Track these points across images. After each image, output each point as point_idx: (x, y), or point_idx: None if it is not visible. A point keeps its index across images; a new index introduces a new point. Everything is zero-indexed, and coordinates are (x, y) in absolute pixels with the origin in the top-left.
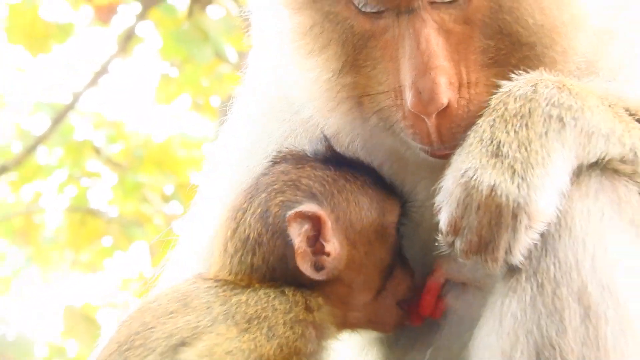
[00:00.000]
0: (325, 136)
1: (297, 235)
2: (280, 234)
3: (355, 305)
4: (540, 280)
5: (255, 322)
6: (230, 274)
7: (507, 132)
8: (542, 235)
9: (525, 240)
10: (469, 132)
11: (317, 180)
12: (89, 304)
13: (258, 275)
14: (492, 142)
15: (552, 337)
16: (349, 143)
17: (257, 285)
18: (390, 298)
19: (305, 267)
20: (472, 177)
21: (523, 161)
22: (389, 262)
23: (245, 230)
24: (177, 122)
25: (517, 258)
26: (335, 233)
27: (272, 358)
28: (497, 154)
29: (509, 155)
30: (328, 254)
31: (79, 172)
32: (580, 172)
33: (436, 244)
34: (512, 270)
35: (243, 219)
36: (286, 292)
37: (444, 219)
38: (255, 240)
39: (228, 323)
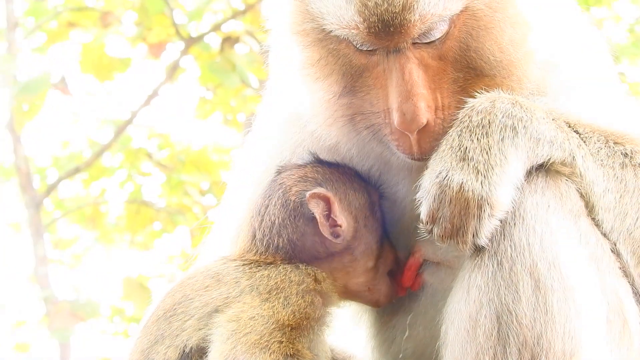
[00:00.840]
0: (312, 152)
1: (317, 209)
2: (301, 216)
3: (358, 271)
4: (499, 259)
5: (274, 293)
6: (255, 254)
7: (472, 140)
8: (501, 222)
9: (488, 226)
10: (441, 141)
11: (319, 174)
12: (143, 275)
13: (281, 255)
14: (459, 148)
15: (509, 304)
16: (346, 150)
17: (278, 262)
18: (382, 268)
19: (327, 233)
20: (445, 177)
21: (485, 163)
22: (381, 234)
23: (270, 219)
24: (211, 133)
25: (483, 240)
26: (341, 210)
27: (287, 322)
28: (464, 158)
29: (473, 158)
30: (340, 226)
31: (135, 172)
32: (530, 173)
33: (418, 231)
34: (478, 251)
35: (267, 212)
36: (300, 267)
37: (423, 211)
38: (280, 225)
39: (252, 294)
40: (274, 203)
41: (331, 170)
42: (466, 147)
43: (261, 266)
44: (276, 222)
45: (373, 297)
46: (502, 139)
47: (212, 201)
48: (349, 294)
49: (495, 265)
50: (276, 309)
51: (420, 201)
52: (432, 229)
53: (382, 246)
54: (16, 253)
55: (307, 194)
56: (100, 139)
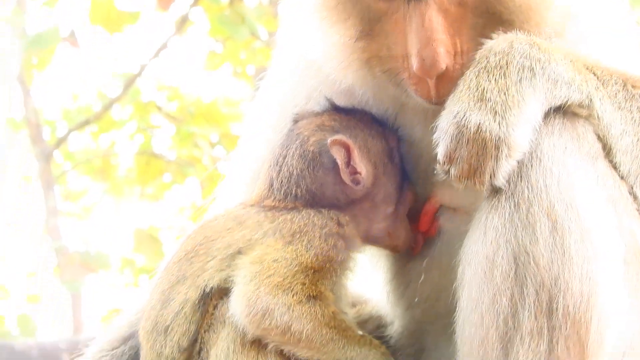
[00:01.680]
0: (327, 98)
1: (339, 155)
2: (320, 166)
3: (378, 218)
4: (516, 200)
5: (298, 236)
6: (274, 201)
7: (489, 81)
8: (518, 164)
9: (505, 167)
10: (459, 82)
11: (336, 121)
12: (153, 226)
13: (301, 202)
14: (477, 89)
15: (526, 245)
16: (362, 94)
17: (300, 207)
18: (402, 213)
19: (348, 180)
20: (463, 117)
21: (502, 104)
22: (400, 179)
23: (288, 170)
24: (221, 86)
25: (500, 181)
26: (361, 157)
27: (309, 265)
28: (481, 98)
29: (491, 99)
30: (360, 173)
31: (145, 124)
32: (548, 115)
33: (434, 174)
34: (495, 192)
35: (284, 163)
36: (322, 211)
37: (440, 152)
38: (298, 175)
39: (276, 236)
40: (291, 154)
41: (348, 117)
42: (484, 88)
43: (283, 210)
44: (294, 172)
45: (392, 242)
46: (520, 80)
47: (221, 153)
48: (369, 239)
49: (512, 207)
50: (299, 251)
51: (437, 142)
52: (449, 169)
53: (402, 191)
54: (27, 205)
55: (329, 140)
56: (110, 91)
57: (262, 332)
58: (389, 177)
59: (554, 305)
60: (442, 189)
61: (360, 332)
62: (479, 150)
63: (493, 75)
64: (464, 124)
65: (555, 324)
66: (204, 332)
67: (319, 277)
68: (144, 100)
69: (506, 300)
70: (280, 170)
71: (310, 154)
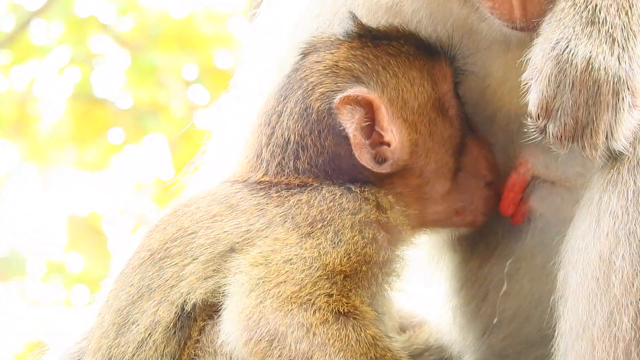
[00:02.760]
0: (352, 13)
1: (351, 123)
2: (329, 131)
3: (433, 198)
4: None
5: (320, 226)
6: (267, 176)
7: None
8: None
9: (629, 121)
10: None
11: (357, 61)
12: (95, 212)
13: (307, 176)
14: (586, 7)
15: None
16: (412, 11)
17: (315, 184)
18: (473, 179)
19: (366, 160)
20: (565, 49)
21: (624, 28)
22: (459, 137)
23: (283, 134)
24: None
25: (621, 143)
26: (391, 118)
27: (338, 268)
28: (593, 20)
29: (607, 21)
30: (388, 144)
31: (82, 52)
32: None
33: (523, 132)
34: (613, 161)
35: (279, 122)
36: (353, 189)
37: (533, 100)
38: (297, 143)
39: (287, 226)
40: (289, 110)
41: (379, 49)
42: (596, 5)
43: (294, 189)
44: (292, 139)
45: (465, 219)
46: None
47: (202, 96)
48: (429, 223)
49: (638, 183)
50: (323, 248)
51: (528, 85)
52: (545, 126)
53: (466, 150)
54: None
55: (336, 99)
56: (27, 1)
57: None
58: (439, 139)
59: None
60: (535, 155)
61: None
62: (589, 97)
63: None
64: (568, 58)
65: None
66: None
67: (351, 286)
68: (79, 14)
69: (629, 320)
70: (272, 134)
71: (315, 112)
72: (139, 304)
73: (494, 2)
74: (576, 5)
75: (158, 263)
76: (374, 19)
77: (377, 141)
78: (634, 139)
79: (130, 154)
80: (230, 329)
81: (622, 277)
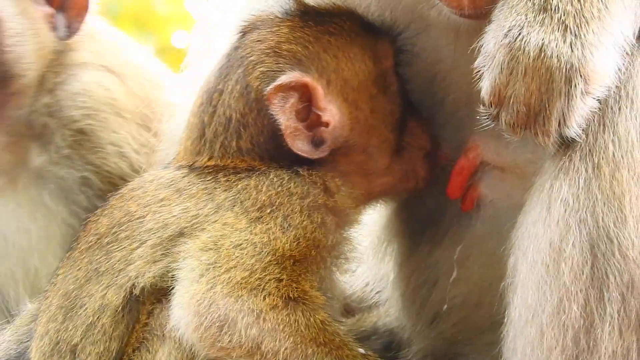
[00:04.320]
0: None
1: (283, 112)
2: (267, 111)
3: (377, 172)
4: (596, 161)
5: (269, 211)
6: (212, 159)
7: None
8: (600, 106)
9: (582, 107)
10: None
11: (299, 42)
12: None
13: (252, 157)
14: None
15: (609, 228)
16: None
17: (262, 168)
18: (413, 151)
19: (299, 146)
20: (517, 36)
21: (576, 14)
22: (399, 113)
23: (225, 113)
24: None
25: (573, 130)
26: (330, 98)
27: (288, 252)
28: (545, 7)
29: (559, 8)
30: (327, 124)
31: None
32: None
33: (474, 116)
34: (565, 148)
35: (221, 101)
36: (301, 173)
37: (486, 87)
38: (238, 121)
39: (236, 210)
40: (230, 88)
41: (320, 29)
42: None
43: (241, 173)
44: (233, 117)
45: (408, 185)
46: None
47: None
48: (375, 195)
49: (589, 170)
50: (273, 233)
51: (480, 72)
52: (498, 113)
53: (407, 126)
54: None
55: (267, 88)
56: None
57: (220, 353)
58: (379, 116)
59: None
60: (485, 141)
61: (362, 350)
62: (541, 84)
63: None
64: (520, 45)
65: None
66: (133, 351)
67: (301, 270)
68: None
69: (578, 308)
70: (214, 112)
71: (254, 91)
72: (87, 287)
73: None
74: None
75: (105, 247)
76: (322, 2)
77: (315, 122)
78: (587, 126)
79: None
80: (180, 314)
81: (572, 264)
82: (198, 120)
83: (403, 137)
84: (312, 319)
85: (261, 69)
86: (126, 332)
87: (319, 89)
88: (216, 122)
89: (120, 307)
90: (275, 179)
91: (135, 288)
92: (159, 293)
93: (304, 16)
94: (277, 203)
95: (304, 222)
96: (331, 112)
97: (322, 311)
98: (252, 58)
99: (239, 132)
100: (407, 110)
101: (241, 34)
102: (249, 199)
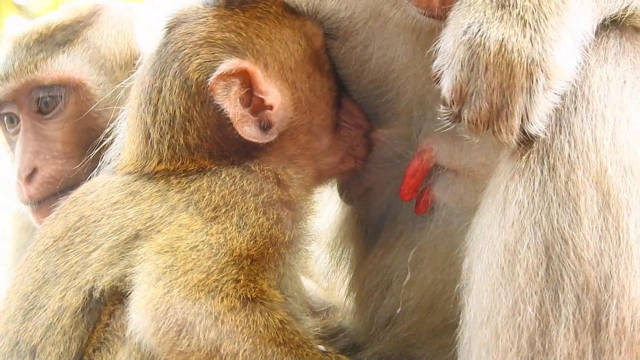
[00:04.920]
0: None
1: (228, 100)
2: (210, 102)
3: (323, 151)
4: (552, 162)
5: (224, 210)
6: (161, 163)
7: None
8: (555, 108)
9: (544, 103)
10: None
11: (230, 30)
12: None
13: (202, 155)
14: None
15: (564, 230)
16: None
17: (213, 167)
18: (352, 129)
19: (248, 132)
20: (477, 32)
21: (534, 10)
22: (336, 91)
23: (167, 110)
24: None
25: (537, 125)
26: (270, 80)
27: (245, 252)
28: (503, 4)
29: (517, 4)
30: (271, 107)
31: None
32: (598, 33)
33: (426, 117)
34: (522, 149)
35: (161, 98)
36: (253, 169)
37: (447, 86)
38: (183, 117)
39: (191, 212)
40: (169, 84)
41: (247, 14)
42: None
43: (193, 175)
44: (177, 113)
45: (348, 166)
46: None
47: None
48: (323, 178)
49: (545, 172)
50: (229, 233)
51: (440, 72)
52: (460, 111)
53: (341, 104)
54: None
55: (209, 79)
56: None
57: (179, 357)
58: (318, 94)
59: (603, 318)
60: (438, 143)
61: (323, 348)
62: (503, 80)
63: None
64: (480, 42)
65: (604, 346)
66: (94, 352)
67: (258, 269)
68: None
69: (533, 310)
70: (156, 111)
71: (195, 85)
72: (46, 288)
73: None
74: None
75: (62, 250)
76: None
77: (258, 106)
78: (545, 127)
79: None
80: (138, 319)
81: (527, 266)
82: (140, 123)
83: (340, 115)
84: (270, 319)
85: (198, 60)
86: (86, 332)
87: (258, 73)
88: (160, 120)
89: (80, 309)
90: (227, 178)
91: (95, 290)
92: (120, 295)
93: (229, 4)
94: (231, 202)
95: (260, 220)
96: (273, 94)
97: (280, 310)
98: (186, 51)
99: (185, 128)
100: (341, 90)
101: (167, 29)
102: (202, 200)
